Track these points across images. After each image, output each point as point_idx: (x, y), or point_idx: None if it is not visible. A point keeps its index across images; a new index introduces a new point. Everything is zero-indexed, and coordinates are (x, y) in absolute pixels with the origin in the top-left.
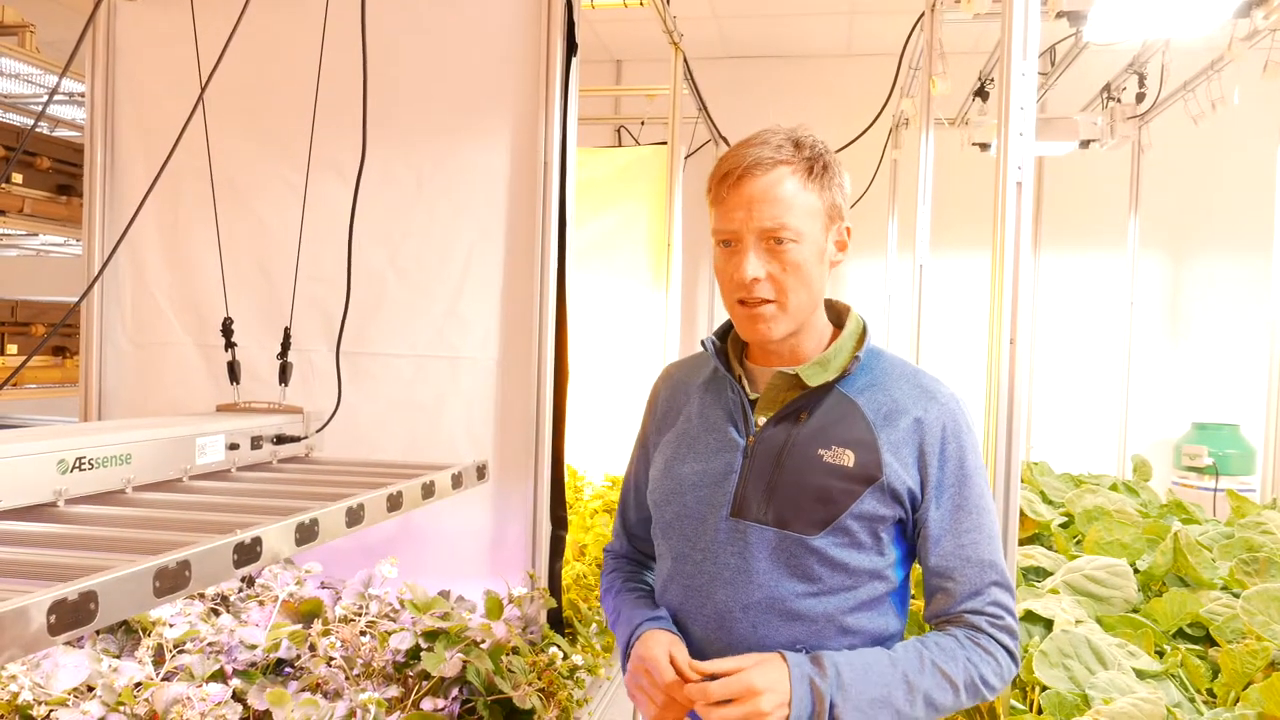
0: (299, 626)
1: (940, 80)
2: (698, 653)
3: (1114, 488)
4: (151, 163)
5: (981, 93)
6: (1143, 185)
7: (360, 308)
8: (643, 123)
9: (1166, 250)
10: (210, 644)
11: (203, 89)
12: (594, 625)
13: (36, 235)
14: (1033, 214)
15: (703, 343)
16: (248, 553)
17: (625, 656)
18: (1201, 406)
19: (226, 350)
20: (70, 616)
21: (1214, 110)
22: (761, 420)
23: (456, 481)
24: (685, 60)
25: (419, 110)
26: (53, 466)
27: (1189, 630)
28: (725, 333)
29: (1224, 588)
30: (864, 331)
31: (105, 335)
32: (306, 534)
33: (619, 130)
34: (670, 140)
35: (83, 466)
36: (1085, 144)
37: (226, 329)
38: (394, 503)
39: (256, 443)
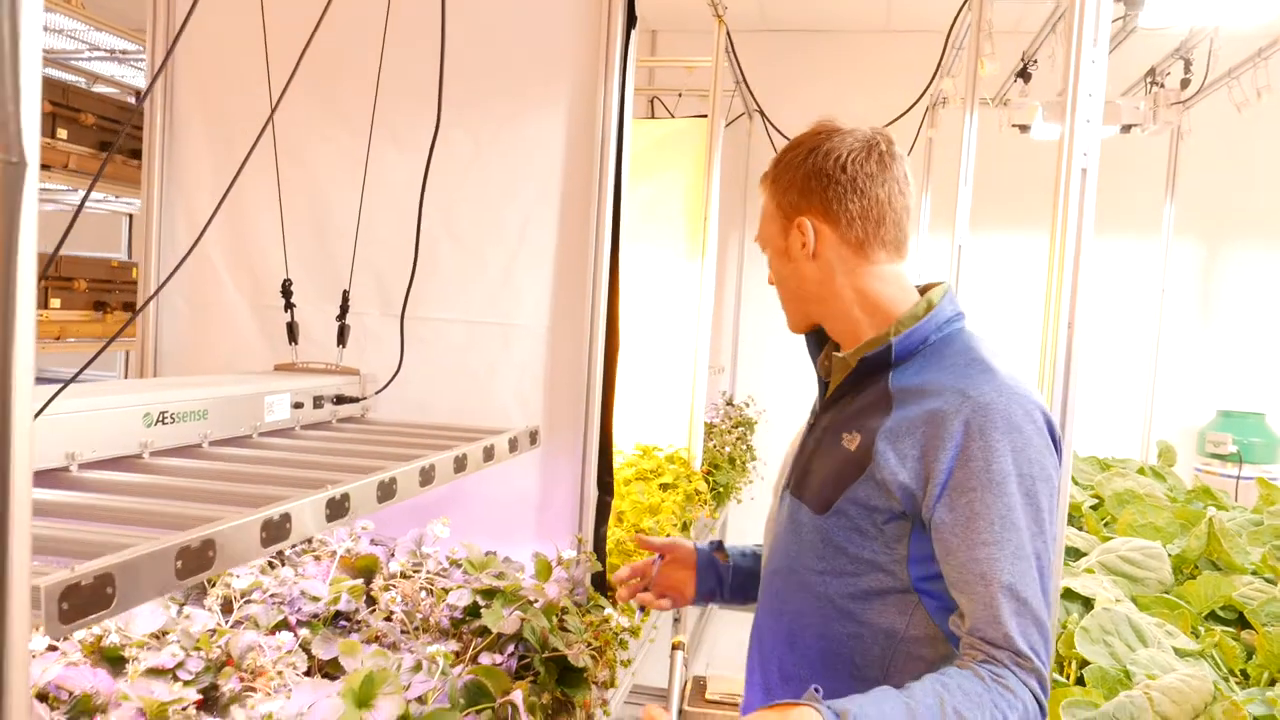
0: (358, 581)
1: (989, 61)
2: (759, 610)
3: (1141, 471)
4: (209, 122)
5: (1024, 74)
6: (1180, 172)
7: (417, 274)
8: (680, 94)
9: (1200, 237)
10: (273, 595)
11: (267, 57)
12: None
13: (77, 191)
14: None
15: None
16: (338, 508)
17: None
18: (1228, 394)
19: (286, 311)
20: (195, 562)
21: (1259, 98)
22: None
23: (513, 445)
24: (728, 32)
25: (477, 77)
26: (139, 420)
27: (1221, 613)
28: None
29: (1254, 573)
30: (916, 317)
31: (162, 295)
32: (386, 492)
33: (652, 101)
34: (711, 113)
35: (165, 420)
36: (1126, 128)
37: (286, 290)
38: (460, 464)
39: (318, 402)
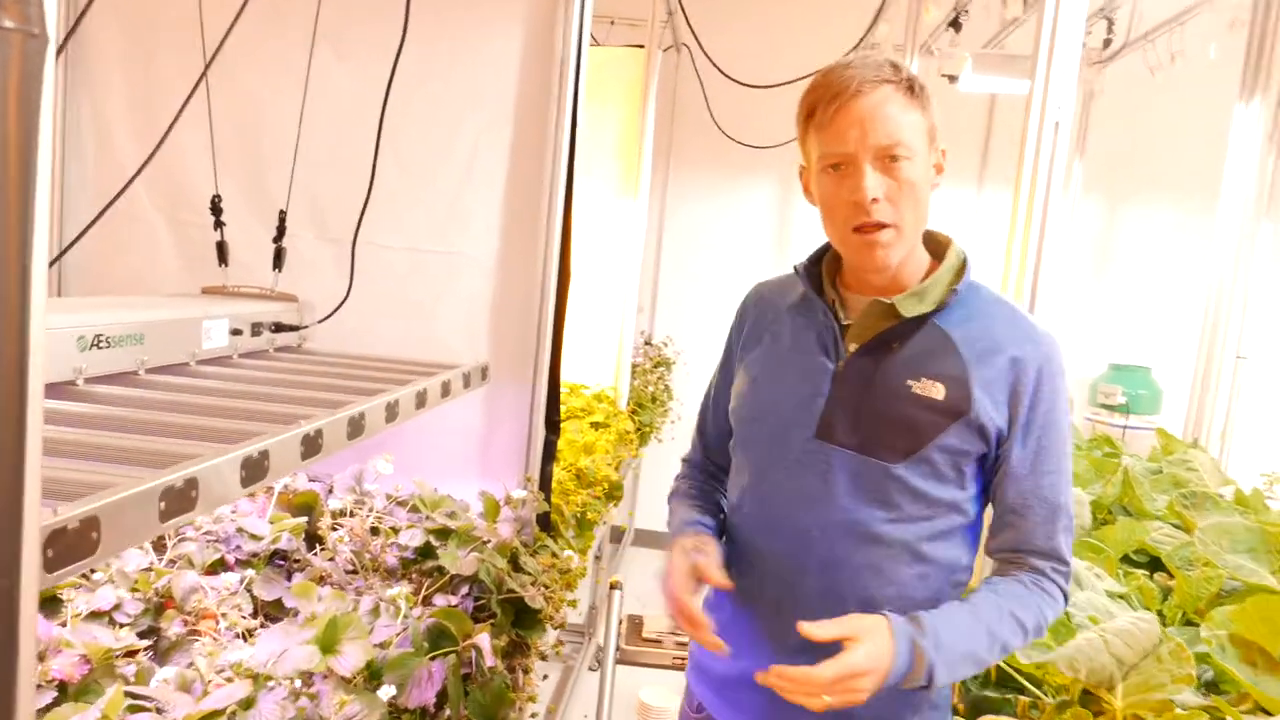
0: (300, 520)
1: (934, 6)
2: (776, 567)
3: None
4: (122, 12)
5: (955, 23)
6: (1090, 130)
7: (355, 196)
8: (612, 22)
9: (1105, 194)
10: (206, 533)
11: None
12: (570, 530)
13: None
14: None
15: (795, 268)
16: (312, 445)
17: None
18: (1118, 348)
19: (216, 229)
20: (178, 503)
21: (1172, 62)
22: (852, 347)
23: (466, 381)
24: None
25: None
26: (73, 343)
27: (1134, 556)
28: (817, 259)
29: (1160, 519)
30: (964, 264)
31: (66, 200)
32: (356, 428)
33: None
34: (649, 44)
35: (100, 344)
36: None
37: (215, 207)
38: (420, 400)
39: (256, 329)
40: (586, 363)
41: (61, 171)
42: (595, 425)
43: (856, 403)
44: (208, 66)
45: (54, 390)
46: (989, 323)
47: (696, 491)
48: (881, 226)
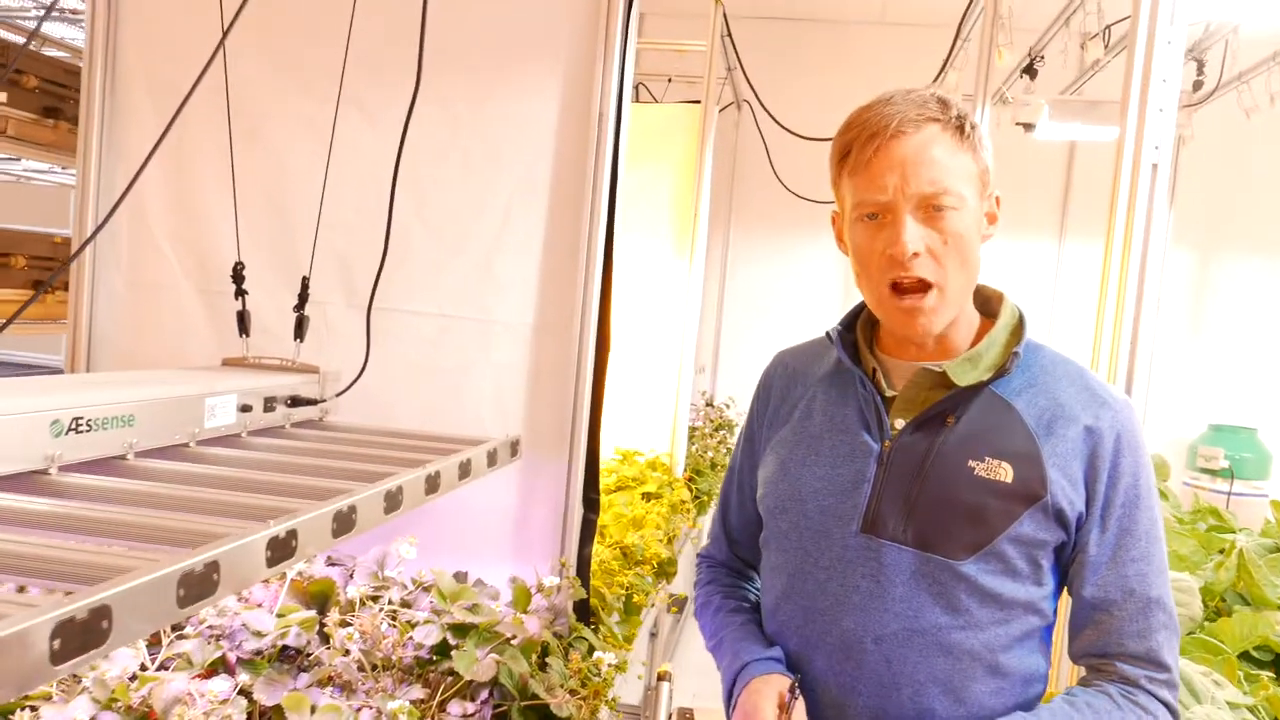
0: (311, 613)
1: (1007, 51)
2: (819, 686)
3: None
4: (154, 85)
5: (1029, 70)
6: (1180, 179)
7: (387, 262)
8: (669, 80)
9: (1196, 246)
10: (210, 627)
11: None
12: (614, 614)
13: (19, 160)
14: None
15: (827, 333)
16: (282, 547)
17: (728, 696)
18: (1218, 407)
19: (236, 298)
20: (78, 640)
21: (1272, 104)
22: (899, 423)
23: (491, 459)
24: (725, 17)
25: (458, 47)
26: (45, 428)
27: (1255, 653)
28: (852, 322)
29: None
30: (1021, 322)
31: (99, 274)
32: (344, 523)
33: (638, 86)
34: (705, 100)
35: (80, 428)
36: None
37: (237, 274)
38: (432, 484)
39: (270, 404)
40: (641, 428)
41: (94, 247)
42: (647, 496)
43: (909, 489)
44: (230, 133)
45: (18, 482)
46: (1055, 388)
47: (736, 602)
48: (925, 287)
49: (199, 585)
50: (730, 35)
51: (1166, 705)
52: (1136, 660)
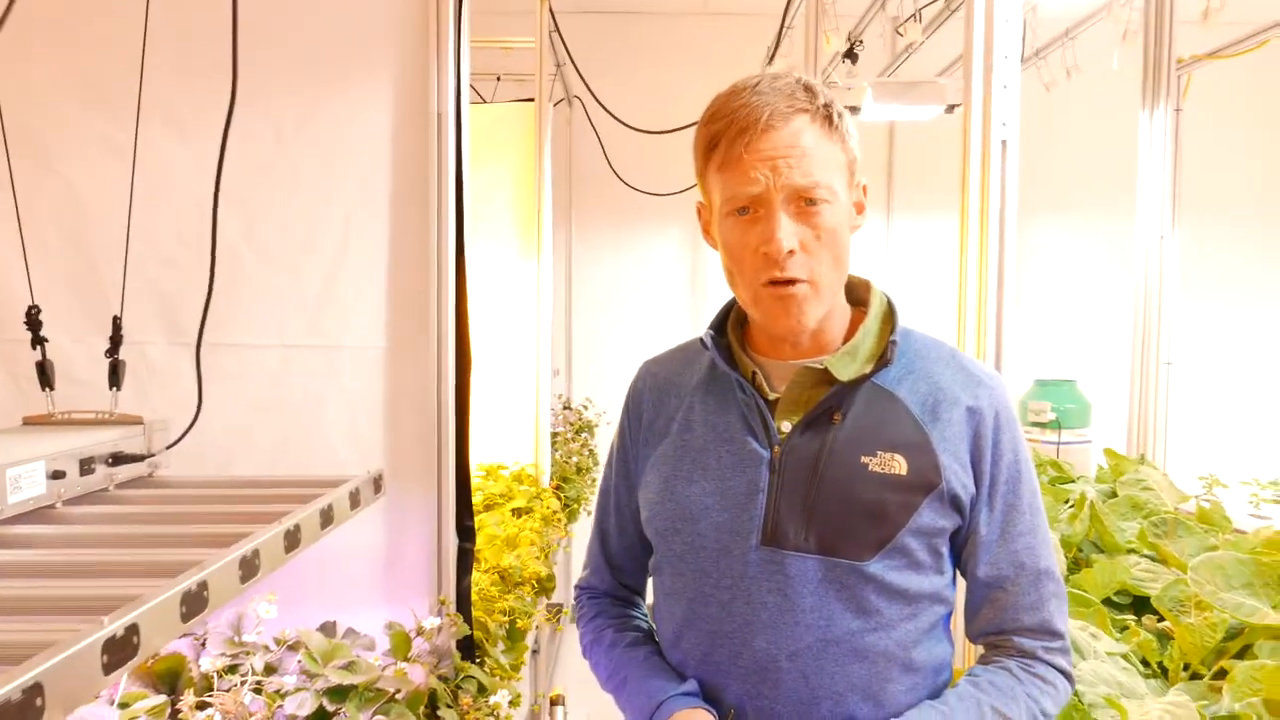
0: (160, 698)
1: (834, 36)
2: (736, 711)
3: None
4: None
5: (850, 54)
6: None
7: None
8: (498, 78)
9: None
10: None
11: None
12: (499, 644)
13: None
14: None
15: (701, 340)
16: (121, 648)
17: None
18: (1041, 364)
19: (34, 347)
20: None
21: (1069, 78)
22: (786, 426)
23: (354, 500)
24: (551, 11)
25: (278, 51)
26: None
27: (1116, 598)
28: (721, 323)
29: (1131, 550)
30: (891, 309)
31: None
32: (195, 603)
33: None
34: (539, 97)
35: None
36: (951, 108)
37: (32, 319)
38: (292, 540)
39: (87, 466)
40: (503, 439)
41: None
42: (517, 512)
43: (805, 493)
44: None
45: None
46: (933, 371)
47: (630, 635)
48: (795, 281)
49: (18, 716)
50: (559, 30)
51: (1063, 672)
52: (1032, 632)
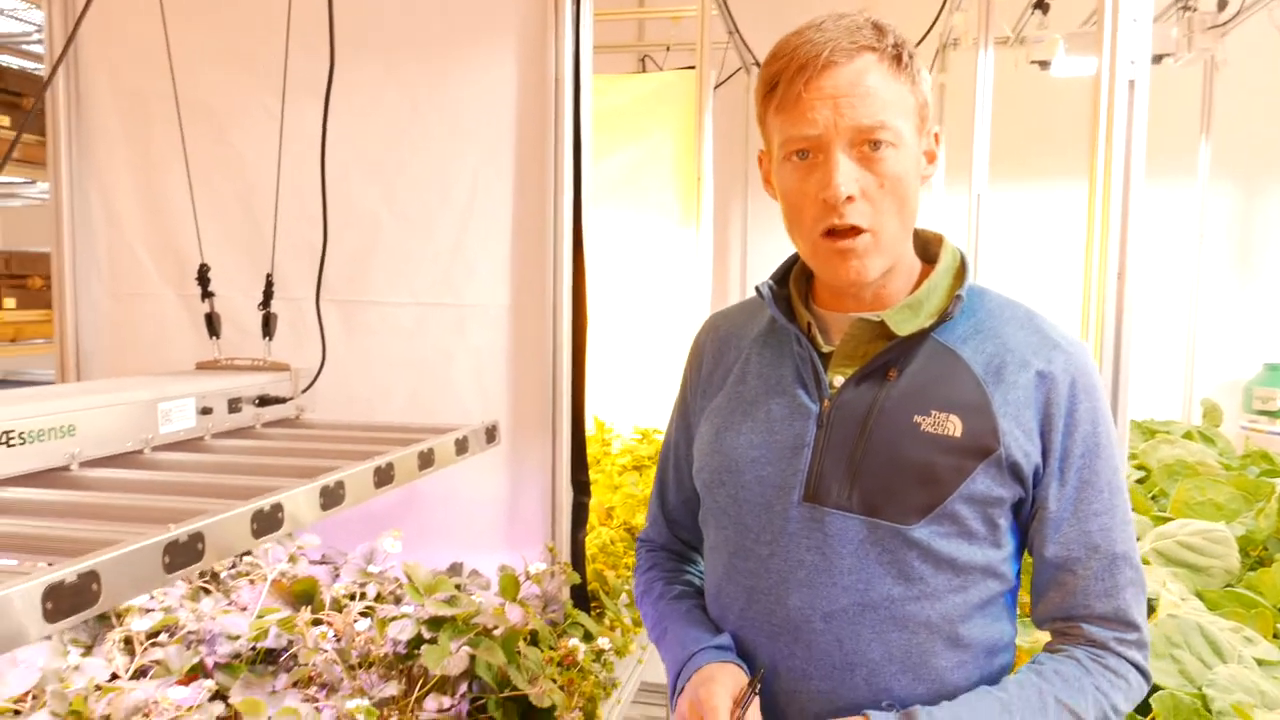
0: (288, 612)
1: None
2: (768, 673)
3: (1189, 436)
4: (118, 91)
5: (1040, 4)
6: (1215, 106)
7: (352, 251)
8: (668, 48)
9: (1238, 180)
10: (190, 633)
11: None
12: (623, 596)
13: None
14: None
15: (757, 289)
16: (182, 551)
17: (673, 688)
18: (1273, 346)
19: (204, 300)
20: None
21: None
22: (838, 380)
23: (461, 447)
24: None
25: (409, 24)
26: None
27: None
28: (784, 276)
29: None
30: (963, 265)
31: (80, 287)
32: (268, 522)
33: (643, 59)
34: (699, 63)
35: (12, 442)
36: (1158, 59)
37: (202, 276)
38: (383, 476)
39: (235, 405)
40: (660, 404)
41: (74, 261)
42: None
43: (852, 450)
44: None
45: None
46: (1003, 332)
47: (679, 588)
48: (856, 231)
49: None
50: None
51: (1137, 666)
52: (1104, 621)
